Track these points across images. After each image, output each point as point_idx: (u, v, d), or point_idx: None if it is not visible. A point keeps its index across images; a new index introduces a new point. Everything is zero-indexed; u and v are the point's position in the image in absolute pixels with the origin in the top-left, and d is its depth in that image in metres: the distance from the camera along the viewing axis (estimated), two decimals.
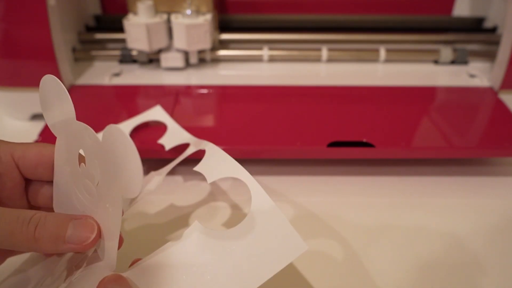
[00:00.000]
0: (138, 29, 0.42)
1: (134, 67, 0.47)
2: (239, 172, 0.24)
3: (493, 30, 0.50)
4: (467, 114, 0.39)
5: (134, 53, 0.47)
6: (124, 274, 0.22)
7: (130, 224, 0.32)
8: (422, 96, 0.42)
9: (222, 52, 0.47)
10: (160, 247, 0.23)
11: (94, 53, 0.47)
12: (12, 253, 0.24)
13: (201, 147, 0.29)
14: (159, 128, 0.37)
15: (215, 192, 0.36)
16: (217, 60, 0.48)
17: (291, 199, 0.35)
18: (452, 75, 0.46)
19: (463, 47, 0.47)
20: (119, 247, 0.22)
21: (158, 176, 0.30)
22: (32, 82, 0.41)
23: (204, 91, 0.43)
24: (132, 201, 0.27)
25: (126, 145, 0.19)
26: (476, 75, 0.45)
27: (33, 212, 0.21)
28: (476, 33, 0.50)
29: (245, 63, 0.48)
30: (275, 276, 0.27)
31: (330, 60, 0.48)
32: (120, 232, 0.21)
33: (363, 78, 0.45)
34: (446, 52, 0.47)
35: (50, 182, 0.24)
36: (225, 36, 0.49)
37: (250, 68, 0.47)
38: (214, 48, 0.47)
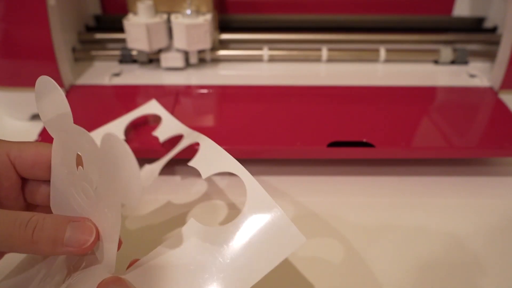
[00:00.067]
0: (138, 29, 0.42)
1: (134, 67, 0.47)
2: (234, 167, 0.24)
3: (493, 30, 0.50)
4: (467, 114, 0.39)
5: (134, 53, 0.47)
6: (123, 276, 0.22)
7: (128, 224, 0.32)
8: (422, 96, 0.42)
9: (222, 52, 0.47)
10: (157, 246, 0.23)
11: (94, 53, 0.47)
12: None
13: (196, 140, 0.28)
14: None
15: (212, 191, 0.36)
16: (217, 60, 0.48)
17: (291, 199, 0.35)
18: (452, 75, 0.46)
19: (463, 47, 0.47)
20: (118, 249, 0.22)
21: (152, 171, 0.30)
22: (32, 82, 0.41)
23: (204, 91, 0.43)
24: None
25: (124, 155, 0.18)
26: (476, 75, 0.45)
27: (30, 214, 0.21)
28: (476, 33, 0.50)
29: (245, 63, 0.48)
30: (275, 276, 0.27)
31: (330, 60, 0.48)
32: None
33: (363, 78, 0.45)
34: (446, 52, 0.47)
35: (47, 181, 0.24)
36: (225, 36, 0.49)
37: (250, 68, 0.47)
38: (214, 48, 0.47)
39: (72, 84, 0.43)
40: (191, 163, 0.26)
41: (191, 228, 0.23)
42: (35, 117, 0.44)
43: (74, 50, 0.46)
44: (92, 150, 0.20)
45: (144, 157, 0.34)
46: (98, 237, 0.22)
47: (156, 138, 0.34)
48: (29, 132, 0.40)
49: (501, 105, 0.40)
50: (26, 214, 0.21)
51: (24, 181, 0.24)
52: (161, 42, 0.44)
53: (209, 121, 0.39)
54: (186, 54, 0.46)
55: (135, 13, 0.44)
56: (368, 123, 0.38)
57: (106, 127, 0.36)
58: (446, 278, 0.28)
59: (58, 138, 0.23)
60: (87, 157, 0.21)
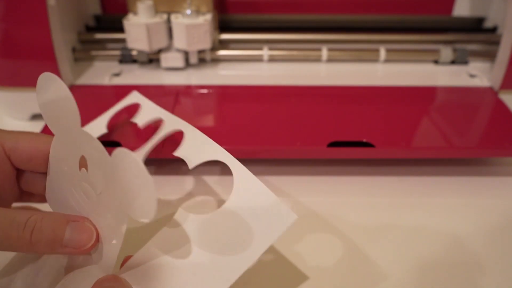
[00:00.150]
0: (138, 29, 0.42)
1: (134, 67, 0.47)
2: (220, 154, 0.24)
3: (493, 30, 0.50)
4: (467, 114, 0.39)
5: (134, 53, 0.47)
6: (119, 275, 0.22)
7: None
8: (422, 96, 0.42)
9: (222, 52, 0.47)
10: (149, 241, 0.23)
11: (94, 53, 0.47)
12: None
13: (178, 128, 0.28)
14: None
15: (203, 187, 0.36)
16: (217, 60, 0.48)
17: (291, 199, 0.35)
18: (452, 75, 0.46)
19: (463, 47, 0.47)
20: None
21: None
22: (32, 82, 0.41)
23: (204, 91, 0.43)
24: None
25: (139, 174, 0.18)
26: (476, 75, 0.45)
27: (28, 214, 0.20)
28: (476, 33, 0.50)
29: (245, 63, 0.48)
30: (275, 275, 0.27)
31: (330, 60, 0.48)
32: None
33: (363, 78, 0.45)
34: (446, 52, 0.47)
35: (44, 172, 0.24)
36: (225, 36, 0.49)
37: (250, 68, 0.47)
38: (214, 48, 0.47)
39: (72, 84, 0.43)
40: (177, 153, 0.26)
41: (180, 218, 0.23)
42: (35, 117, 0.44)
43: (74, 50, 0.46)
44: (100, 158, 0.20)
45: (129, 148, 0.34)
46: (98, 239, 0.21)
47: (137, 128, 0.34)
48: None
49: (501, 105, 0.40)
50: (24, 215, 0.20)
51: (19, 171, 0.24)
52: (161, 42, 0.44)
53: (209, 121, 0.39)
54: (186, 54, 0.46)
55: (135, 13, 0.44)
56: (368, 123, 0.38)
57: (89, 126, 0.36)
58: (446, 278, 0.28)
59: (61, 136, 0.23)
60: (93, 162, 0.21)
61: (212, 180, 0.37)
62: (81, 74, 0.45)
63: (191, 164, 0.25)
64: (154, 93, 0.43)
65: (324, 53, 0.47)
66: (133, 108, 0.36)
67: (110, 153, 0.19)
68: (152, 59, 0.47)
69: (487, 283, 0.28)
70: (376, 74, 0.46)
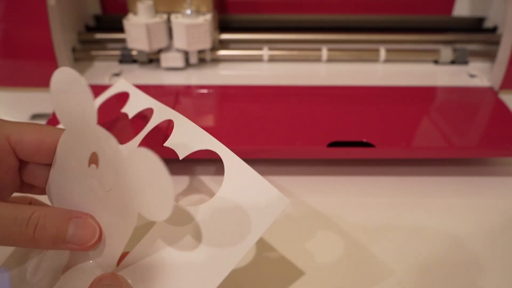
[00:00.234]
0: (138, 29, 0.42)
1: (134, 67, 0.47)
2: (210, 142, 0.24)
3: (493, 30, 0.50)
4: (467, 114, 0.39)
5: (134, 53, 0.47)
6: (117, 272, 0.22)
7: None
8: (422, 96, 0.42)
9: (222, 52, 0.47)
10: (145, 236, 0.23)
11: (94, 53, 0.47)
12: None
13: (167, 117, 0.28)
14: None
15: (198, 186, 0.36)
16: (217, 60, 0.48)
17: (290, 199, 0.35)
18: (452, 75, 0.46)
19: (463, 47, 0.47)
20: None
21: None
22: (32, 82, 0.41)
23: (204, 91, 0.43)
24: None
25: (158, 172, 0.18)
26: (476, 75, 0.45)
27: (31, 210, 0.20)
28: (476, 33, 0.50)
29: (245, 63, 0.48)
30: (275, 275, 0.27)
31: (330, 60, 0.48)
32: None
33: (363, 78, 0.45)
34: (446, 52, 0.47)
35: (46, 164, 0.24)
36: (225, 36, 0.49)
37: (250, 68, 0.47)
38: (214, 48, 0.47)
39: None
40: (167, 144, 0.26)
41: (173, 213, 0.23)
42: (35, 117, 0.44)
43: (74, 50, 0.46)
44: (115, 156, 0.20)
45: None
46: (101, 236, 0.22)
47: (126, 119, 0.33)
48: None
49: (501, 105, 0.40)
50: (27, 211, 0.20)
51: (22, 162, 0.24)
52: (161, 42, 0.44)
53: (209, 121, 0.39)
54: (186, 54, 0.46)
55: (135, 13, 0.44)
56: (368, 123, 0.38)
57: None
58: (446, 278, 0.28)
59: (72, 131, 0.22)
60: (106, 160, 0.21)
61: (207, 179, 0.37)
62: (81, 74, 0.45)
63: (181, 155, 0.25)
64: (154, 93, 0.42)
65: (324, 53, 0.47)
66: (122, 97, 0.35)
67: None
68: (152, 59, 0.47)
69: (487, 283, 0.28)
70: (376, 74, 0.46)
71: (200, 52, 0.46)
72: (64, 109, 0.22)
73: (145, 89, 0.43)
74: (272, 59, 0.48)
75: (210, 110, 0.41)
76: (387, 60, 0.47)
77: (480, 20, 0.51)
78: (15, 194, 0.26)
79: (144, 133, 0.29)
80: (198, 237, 0.22)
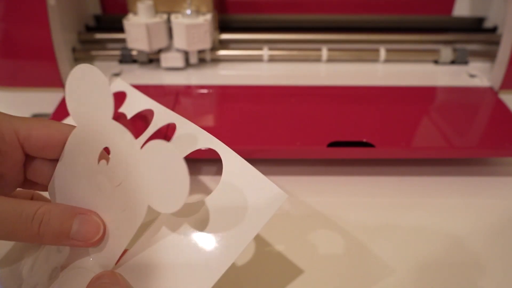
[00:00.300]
0: (138, 29, 0.42)
1: (134, 67, 0.47)
2: (207, 139, 0.24)
3: (493, 30, 0.50)
4: (467, 114, 0.39)
5: (134, 53, 0.47)
6: (115, 270, 0.22)
7: None
8: (422, 96, 0.42)
9: (222, 52, 0.47)
10: (144, 234, 0.23)
11: (94, 53, 0.47)
12: None
13: (170, 121, 0.28)
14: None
15: (197, 184, 0.36)
16: (217, 60, 0.48)
17: (291, 199, 0.35)
18: (452, 75, 0.46)
19: (463, 47, 0.47)
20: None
21: None
22: (32, 82, 0.41)
23: (204, 91, 0.43)
24: None
25: (177, 167, 0.18)
26: (476, 75, 0.45)
27: (36, 206, 0.20)
28: (476, 33, 0.50)
29: (245, 63, 0.48)
30: (275, 274, 0.27)
31: (330, 60, 0.48)
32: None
33: (363, 78, 0.45)
34: (446, 52, 0.47)
35: (51, 160, 0.24)
36: (225, 36, 0.49)
37: (250, 68, 0.47)
38: (214, 48, 0.47)
39: None
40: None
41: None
42: (36, 117, 0.44)
43: (74, 50, 0.46)
44: (130, 149, 0.20)
45: None
46: (104, 233, 0.22)
47: (125, 120, 0.33)
48: None
49: (501, 105, 0.40)
50: (32, 206, 0.20)
51: (28, 158, 0.24)
52: (161, 42, 0.44)
53: (209, 121, 0.39)
54: (186, 54, 0.46)
55: (135, 13, 0.44)
56: (368, 123, 0.38)
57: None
58: (446, 278, 0.28)
59: (84, 127, 0.23)
60: (119, 154, 0.21)
61: (207, 179, 0.37)
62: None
63: (181, 154, 0.25)
64: (154, 93, 0.42)
65: (324, 53, 0.47)
66: (119, 97, 0.35)
67: None
68: (152, 59, 0.47)
69: (487, 283, 0.28)
70: (376, 74, 0.46)
71: (200, 52, 0.46)
72: (78, 105, 0.23)
73: (145, 89, 0.43)
74: (272, 59, 0.48)
75: (210, 110, 0.41)
76: (387, 60, 0.47)
77: (480, 20, 0.51)
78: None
79: (147, 135, 0.29)
80: (195, 233, 0.22)
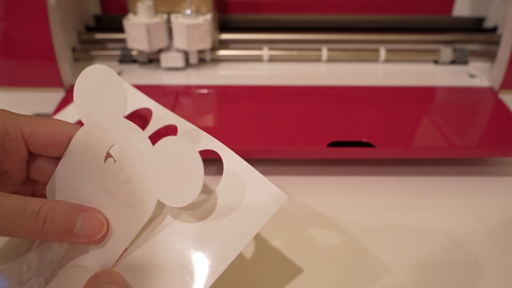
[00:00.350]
0: (138, 29, 0.42)
1: (134, 67, 0.47)
2: (206, 140, 0.25)
3: (493, 30, 0.50)
4: (467, 114, 0.39)
5: (134, 53, 0.47)
6: (113, 269, 0.22)
7: None
8: (422, 96, 0.42)
9: (222, 52, 0.47)
10: (142, 233, 0.23)
11: (94, 53, 0.47)
12: None
13: (169, 122, 0.28)
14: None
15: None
16: (217, 60, 0.48)
17: (291, 199, 0.35)
18: (452, 75, 0.46)
19: (463, 47, 0.47)
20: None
21: None
22: (32, 82, 0.41)
23: (204, 91, 0.43)
24: None
25: (194, 163, 0.19)
26: (476, 75, 0.45)
27: (40, 203, 0.20)
28: (476, 33, 0.50)
29: (245, 63, 0.48)
30: (275, 274, 0.27)
31: (330, 60, 0.48)
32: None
33: (363, 78, 0.45)
34: (446, 52, 0.47)
35: (54, 158, 0.24)
36: (225, 36, 0.49)
37: (250, 68, 0.47)
38: (214, 48, 0.47)
39: (72, 84, 0.43)
40: None
41: (173, 210, 0.23)
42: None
43: (74, 50, 0.46)
44: (141, 146, 0.21)
45: None
46: (108, 230, 0.22)
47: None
48: None
49: (501, 105, 0.40)
50: (36, 203, 0.20)
51: (31, 156, 0.24)
52: (161, 42, 0.44)
53: (209, 121, 0.39)
54: (186, 54, 0.46)
55: (135, 13, 0.44)
56: (368, 123, 0.38)
57: (66, 110, 0.35)
58: (446, 278, 0.28)
59: (93, 126, 0.23)
60: (127, 151, 0.21)
61: (207, 179, 0.37)
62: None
63: None
64: (154, 93, 0.42)
65: (324, 53, 0.47)
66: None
67: None
68: (152, 59, 0.47)
69: (487, 283, 0.28)
70: (376, 74, 0.46)
71: (200, 52, 0.46)
72: (87, 104, 0.23)
73: (145, 89, 0.43)
74: (272, 59, 0.48)
75: (210, 110, 0.41)
76: (387, 60, 0.47)
77: (480, 20, 0.51)
78: None
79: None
80: (195, 232, 0.22)
